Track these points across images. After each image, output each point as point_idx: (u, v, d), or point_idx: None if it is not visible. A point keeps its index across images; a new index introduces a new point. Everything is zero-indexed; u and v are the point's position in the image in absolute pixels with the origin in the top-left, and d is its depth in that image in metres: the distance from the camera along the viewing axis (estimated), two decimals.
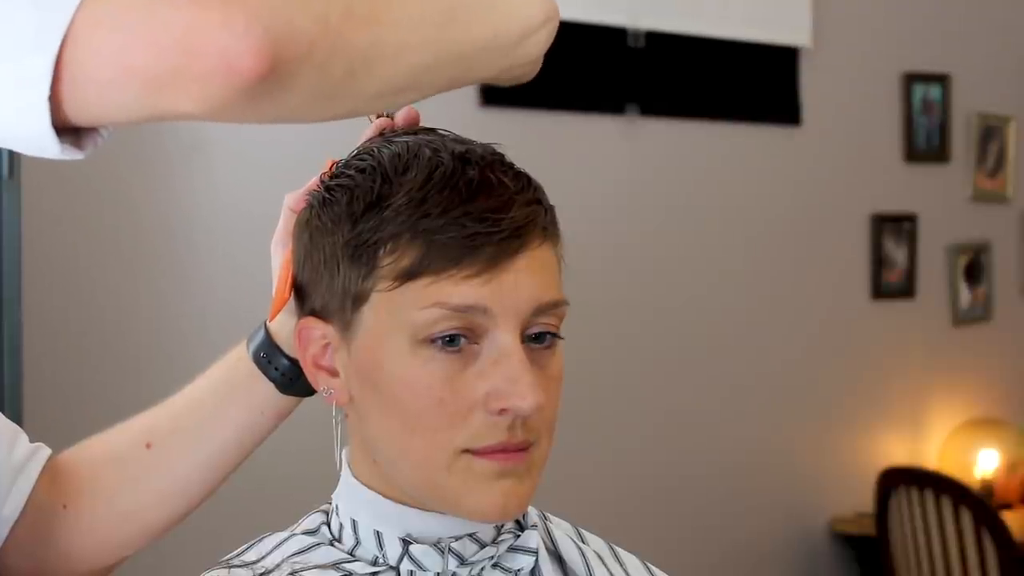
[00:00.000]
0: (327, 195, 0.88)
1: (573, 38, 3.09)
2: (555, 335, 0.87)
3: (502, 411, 0.83)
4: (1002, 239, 4.14)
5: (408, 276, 0.83)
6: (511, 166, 0.88)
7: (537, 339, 0.86)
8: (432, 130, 0.92)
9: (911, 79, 3.87)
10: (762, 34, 3.48)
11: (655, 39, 3.25)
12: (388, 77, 0.77)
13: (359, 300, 0.85)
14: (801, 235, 3.63)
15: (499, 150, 0.90)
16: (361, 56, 0.75)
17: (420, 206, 0.83)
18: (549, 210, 0.89)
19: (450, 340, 0.83)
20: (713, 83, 3.43)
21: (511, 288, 0.84)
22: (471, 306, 0.83)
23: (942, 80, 3.93)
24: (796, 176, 3.60)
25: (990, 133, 4.10)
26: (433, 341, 0.83)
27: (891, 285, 3.85)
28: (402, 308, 0.84)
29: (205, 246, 2.56)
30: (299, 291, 0.91)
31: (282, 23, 0.70)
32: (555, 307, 0.87)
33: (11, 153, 2.12)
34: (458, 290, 0.82)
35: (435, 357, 0.84)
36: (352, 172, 0.87)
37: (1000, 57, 4.10)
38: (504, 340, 0.84)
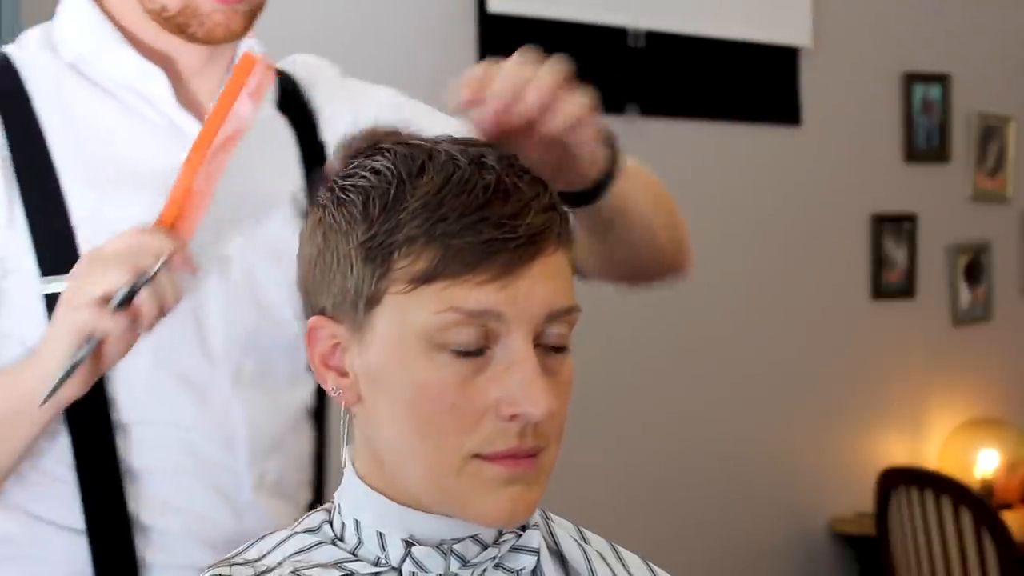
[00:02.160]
0: (341, 195, 0.88)
1: (573, 38, 3.09)
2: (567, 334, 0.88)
3: (513, 417, 0.84)
4: (1002, 239, 4.14)
5: (423, 280, 0.83)
6: (526, 170, 0.88)
7: (554, 346, 0.87)
8: (436, 137, 0.92)
9: (911, 79, 3.87)
10: (762, 34, 3.48)
11: (655, 39, 3.25)
12: None
13: (372, 301, 0.85)
14: (801, 235, 3.63)
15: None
16: None
17: (437, 210, 0.83)
18: (564, 216, 0.89)
19: (477, 351, 0.84)
20: (713, 83, 3.43)
21: (526, 294, 0.84)
22: (486, 311, 0.83)
23: (942, 80, 3.93)
24: (796, 176, 3.60)
25: (990, 133, 4.10)
26: (448, 343, 0.84)
27: (891, 285, 3.85)
28: (416, 311, 0.84)
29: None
30: (308, 291, 0.91)
31: None
32: (568, 313, 0.87)
33: None
34: (473, 295, 0.83)
35: (448, 361, 0.84)
36: (367, 173, 0.87)
37: (1000, 57, 4.10)
38: (517, 346, 0.84)
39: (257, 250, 1.25)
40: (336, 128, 1.28)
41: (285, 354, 1.26)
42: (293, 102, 1.33)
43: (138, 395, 1.20)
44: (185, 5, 1.20)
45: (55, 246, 1.18)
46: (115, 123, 1.24)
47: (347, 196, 0.87)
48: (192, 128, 1.22)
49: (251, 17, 1.23)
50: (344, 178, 0.89)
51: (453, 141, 0.89)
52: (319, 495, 1.33)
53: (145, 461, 1.20)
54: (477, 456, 0.84)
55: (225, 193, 1.20)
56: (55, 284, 1.14)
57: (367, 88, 1.40)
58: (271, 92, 1.31)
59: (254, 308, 1.24)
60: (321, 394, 1.31)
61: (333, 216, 0.88)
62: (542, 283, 0.85)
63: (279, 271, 1.23)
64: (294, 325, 1.23)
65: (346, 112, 1.32)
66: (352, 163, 0.90)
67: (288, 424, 1.29)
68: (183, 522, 1.22)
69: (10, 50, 1.28)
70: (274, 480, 1.27)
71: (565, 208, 0.90)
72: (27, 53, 1.27)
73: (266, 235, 1.25)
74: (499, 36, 2.94)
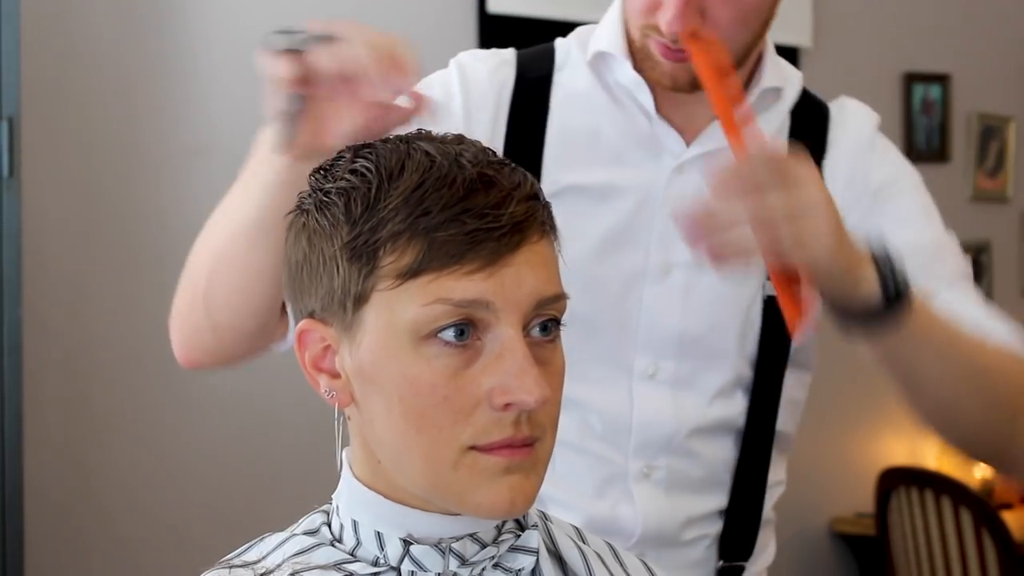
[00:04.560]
0: (323, 198, 0.88)
1: None
2: (558, 321, 0.88)
3: (507, 406, 0.84)
4: (1002, 239, 4.14)
5: (410, 274, 0.83)
6: (506, 162, 0.89)
7: (543, 330, 0.87)
8: (410, 134, 0.92)
9: (911, 79, 3.87)
10: None
11: None
12: None
13: (360, 300, 0.85)
14: None
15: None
16: None
17: (419, 205, 0.83)
18: (546, 206, 0.89)
19: (460, 332, 0.83)
20: None
21: (513, 282, 0.84)
22: (474, 300, 0.83)
23: (942, 80, 3.94)
24: None
25: (990, 133, 4.10)
26: (437, 336, 0.84)
27: None
28: (404, 306, 0.84)
29: None
30: (296, 295, 0.91)
31: None
32: (556, 301, 0.87)
33: (11, 153, 2.12)
34: (460, 285, 0.83)
35: (439, 353, 0.84)
36: (347, 175, 0.87)
37: (1000, 57, 4.11)
38: (507, 335, 0.84)
39: (702, 269, 1.31)
40: (835, 175, 1.36)
41: (711, 367, 1.35)
42: (810, 130, 1.40)
43: None
44: (643, 45, 1.30)
45: None
46: (608, 119, 1.36)
47: (329, 199, 0.87)
48: (671, 141, 1.34)
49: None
50: (325, 182, 0.89)
51: (430, 139, 0.90)
52: (741, 503, 1.41)
53: None
54: (473, 448, 0.84)
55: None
56: None
57: (890, 163, 1.42)
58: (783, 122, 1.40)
59: (685, 316, 1.34)
60: (757, 417, 1.40)
61: (316, 220, 0.88)
62: (529, 271, 0.85)
63: (725, 289, 1.33)
64: (731, 345, 1.35)
65: (848, 167, 1.38)
66: (331, 167, 0.90)
67: (692, 429, 1.36)
68: (555, 491, 1.32)
69: (559, 40, 1.43)
70: (663, 477, 1.35)
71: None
72: (567, 44, 1.42)
73: None
74: (499, 36, 2.94)
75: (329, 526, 0.93)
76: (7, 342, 2.11)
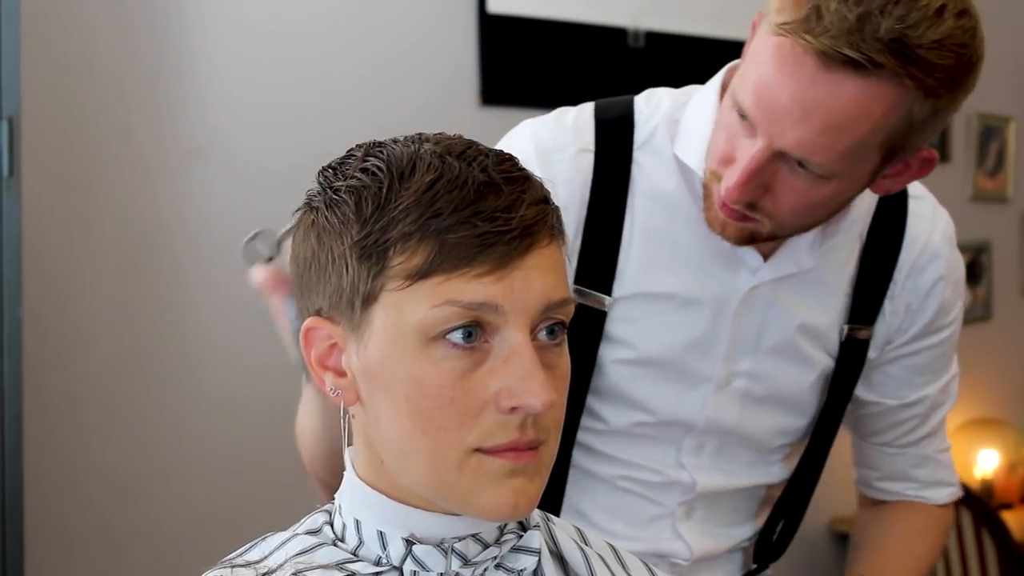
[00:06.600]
0: (334, 196, 0.88)
1: (573, 38, 3.09)
2: (565, 325, 0.88)
3: (513, 409, 0.84)
4: (1002, 239, 4.14)
5: (420, 275, 0.83)
6: (516, 165, 0.88)
7: (550, 333, 0.86)
8: (421, 135, 0.92)
9: None
10: None
11: (655, 39, 3.25)
12: None
13: (368, 300, 0.85)
14: None
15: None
16: None
17: (430, 206, 0.83)
18: (556, 210, 0.89)
19: (468, 335, 0.83)
20: None
21: (522, 286, 0.84)
22: (483, 303, 0.83)
23: None
24: None
25: (990, 133, 4.10)
26: (446, 337, 0.83)
27: None
28: (413, 307, 0.84)
29: (203, 247, 2.56)
30: (304, 292, 0.91)
31: None
32: (564, 305, 0.87)
33: (11, 152, 2.12)
34: (470, 288, 0.83)
35: (446, 355, 0.84)
36: (358, 174, 0.87)
37: (1000, 57, 4.10)
38: (515, 338, 0.84)
39: (760, 378, 1.40)
40: (901, 274, 1.41)
41: (748, 451, 1.45)
42: (888, 232, 1.41)
43: (616, 435, 1.40)
44: (707, 185, 1.28)
45: (587, 314, 1.32)
46: (692, 230, 1.34)
47: (339, 197, 0.87)
48: (749, 256, 1.35)
49: (750, 238, 1.28)
50: (335, 180, 0.89)
51: (440, 140, 0.90)
52: (763, 533, 1.56)
53: (598, 469, 1.41)
54: (478, 450, 0.84)
55: (756, 320, 1.36)
56: None
57: (946, 299, 1.46)
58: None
59: (740, 420, 1.41)
60: (800, 477, 1.53)
61: (326, 218, 0.88)
62: (538, 274, 0.85)
63: (780, 396, 1.42)
64: (766, 440, 1.45)
65: (912, 297, 1.43)
66: (341, 165, 0.90)
67: (730, 489, 1.46)
68: (604, 521, 1.42)
69: (640, 103, 1.41)
70: (702, 516, 1.46)
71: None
72: (652, 119, 1.38)
73: (776, 365, 1.40)
74: (499, 36, 2.94)
75: (331, 525, 0.93)
76: (7, 342, 2.10)
